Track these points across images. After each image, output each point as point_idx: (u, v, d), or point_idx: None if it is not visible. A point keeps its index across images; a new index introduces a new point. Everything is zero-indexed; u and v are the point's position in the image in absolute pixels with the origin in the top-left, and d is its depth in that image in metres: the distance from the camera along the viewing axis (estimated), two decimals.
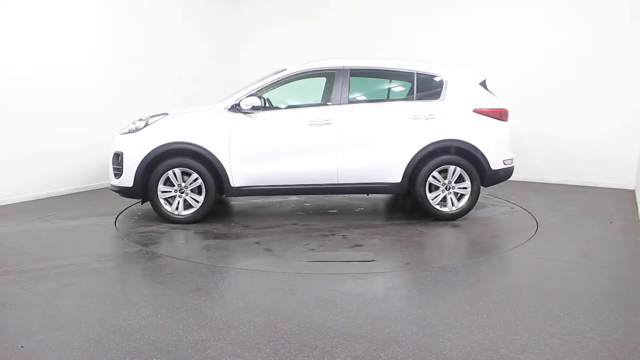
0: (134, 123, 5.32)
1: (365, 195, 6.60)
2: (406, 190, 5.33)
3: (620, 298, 3.41)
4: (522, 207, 6.06)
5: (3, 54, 5.77)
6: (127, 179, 5.09)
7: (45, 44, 6.20)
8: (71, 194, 6.64)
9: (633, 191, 7.10)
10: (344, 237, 4.77)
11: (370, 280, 3.70)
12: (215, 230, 5.01)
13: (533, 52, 7.67)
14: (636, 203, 6.28)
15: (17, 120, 5.96)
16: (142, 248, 4.39)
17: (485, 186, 5.48)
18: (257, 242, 4.62)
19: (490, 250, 4.43)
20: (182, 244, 4.63)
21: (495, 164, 5.32)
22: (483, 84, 5.46)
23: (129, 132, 5.24)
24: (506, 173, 5.47)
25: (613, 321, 2.98)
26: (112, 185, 5.33)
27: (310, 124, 5.15)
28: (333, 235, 4.84)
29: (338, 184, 5.26)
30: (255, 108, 5.09)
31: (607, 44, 7.23)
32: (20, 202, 6.01)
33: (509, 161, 5.47)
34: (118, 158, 5.18)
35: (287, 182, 5.23)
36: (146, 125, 5.19)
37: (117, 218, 5.41)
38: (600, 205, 6.26)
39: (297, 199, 6.58)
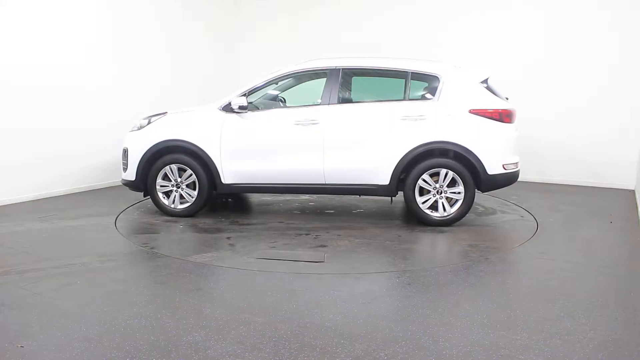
0: (139, 121, 5.65)
1: (372, 198, 6.49)
2: (395, 193, 5.17)
3: (620, 298, 3.41)
4: (522, 207, 6.06)
5: (2, 54, 5.77)
6: (131, 173, 5.44)
7: (44, 44, 6.19)
8: (71, 194, 6.63)
9: (633, 191, 7.10)
10: (316, 237, 4.75)
11: (370, 280, 3.70)
12: (201, 225, 5.19)
13: (532, 52, 7.67)
14: (636, 203, 6.28)
15: (17, 120, 5.95)
16: (142, 247, 4.39)
17: (482, 191, 5.19)
18: (227, 237, 4.75)
19: (489, 250, 4.43)
20: (160, 236, 4.85)
21: (493, 168, 4.97)
22: (485, 83, 5.16)
23: (137, 129, 5.57)
24: (507, 178, 5.11)
25: (613, 321, 2.99)
26: (122, 179, 5.66)
27: (297, 124, 5.16)
28: (307, 235, 4.84)
29: (325, 184, 5.22)
30: (241, 108, 5.19)
31: (606, 43, 7.22)
32: (20, 202, 6.01)
33: (512, 166, 5.09)
34: (125, 153, 5.54)
35: (275, 181, 5.29)
36: (149, 123, 5.50)
37: (117, 218, 5.41)
38: (600, 205, 6.25)
39: (306, 198, 6.55)
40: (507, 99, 5.42)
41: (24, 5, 5.92)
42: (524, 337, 2.75)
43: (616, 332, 2.84)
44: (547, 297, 3.34)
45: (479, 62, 7.57)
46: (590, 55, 7.34)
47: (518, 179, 5.27)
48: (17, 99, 5.94)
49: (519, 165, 5.26)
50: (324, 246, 4.47)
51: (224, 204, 6.33)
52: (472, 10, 8.03)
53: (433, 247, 4.70)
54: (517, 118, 5.24)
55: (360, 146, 5.10)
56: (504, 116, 5.03)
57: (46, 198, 6.28)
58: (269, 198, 6.55)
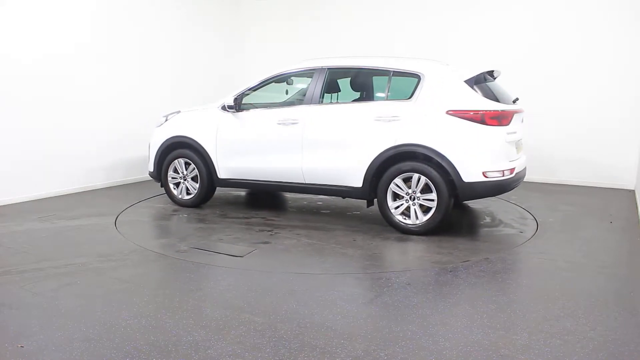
0: (160, 118, 6.18)
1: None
2: (370, 196, 4.95)
3: (620, 298, 3.41)
4: (522, 207, 6.06)
5: (2, 53, 5.77)
6: (151, 165, 6.09)
7: (43, 45, 6.19)
8: (71, 194, 6.63)
9: (633, 191, 7.09)
10: (273, 234, 4.81)
11: (370, 280, 3.70)
12: (194, 215, 5.59)
13: (531, 52, 7.66)
14: (636, 203, 6.28)
15: (17, 120, 5.95)
16: (142, 247, 4.39)
17: (460, 200, 4.77)
18: (196, 229, 5.02)
19: (489, 250, 4.43)
20: (146, 222, 5.39)
21: (470, 175, 4.49)
22: (471, 82, 4.70)
23: (158, 126, 6.11)
24: (489, 188, 4.58)
25: (613, 321, 2.99)
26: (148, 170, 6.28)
27: (279, 124, 5.25)
28: (269, 231, 4.91)
29: (305, 184, 5.25)
30: (229, 107, 5.47)
31: (607, 43, 7.21)
32: (20, 202, 6.01)
33: (496, 174, 4.54)
34: (149, 148, 6.14)
35: (261, 178, 5.48)
36: (165, 120, 6.05)
37: (117, 218, 5.41)
38: (600, 205, 6.25)
39: (319, 197, 6.49)
40: (516, 99, 5.25)
41: (27, 3, 5.92)
42: (524, 337, 2.76)
43: (616, 332, 2.84)
44: (547, 297, 3.34)
45: (480, 62, 7.56)
46: (590, 54, 7.33)
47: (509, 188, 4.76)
48: (16, 99, 5.93)
49: (513, 173, 4.72)
50: (267, 243, 4.54)
51: (252, 199, 6.55)
52: (472, 10, 8.02)
53: (368, 254, 4.31)
54: (517, 120, 4.92)
55: (336, 147, 5.01)
56: (487, 118, 4.51)
57: (46, 198, 6.28)
58: (287, 195, 6.64)
